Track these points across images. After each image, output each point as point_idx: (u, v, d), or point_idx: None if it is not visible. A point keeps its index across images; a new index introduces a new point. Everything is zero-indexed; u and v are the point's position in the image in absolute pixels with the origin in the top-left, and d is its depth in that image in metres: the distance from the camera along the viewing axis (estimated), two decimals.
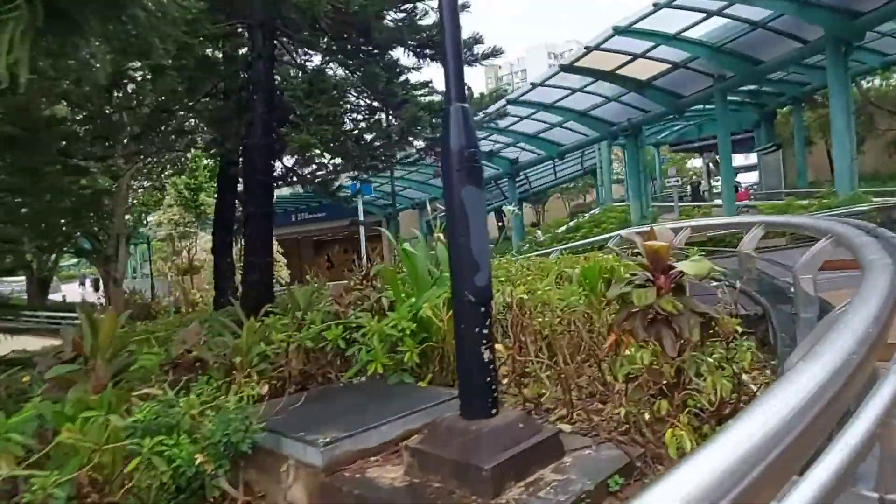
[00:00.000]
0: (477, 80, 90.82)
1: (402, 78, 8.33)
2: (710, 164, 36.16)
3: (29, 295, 26.25)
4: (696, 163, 38.36)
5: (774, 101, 22.46)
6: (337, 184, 13.01)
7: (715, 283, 4.39)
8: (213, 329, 5.05)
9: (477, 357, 2.65)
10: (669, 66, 16.68)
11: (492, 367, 2.71)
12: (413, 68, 8.50)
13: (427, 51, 7.95)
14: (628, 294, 3.28)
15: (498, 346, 4.18)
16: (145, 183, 23.42)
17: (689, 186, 30.79)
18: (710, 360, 3.08)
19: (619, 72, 16.95)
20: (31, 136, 8.50)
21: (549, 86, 17.97)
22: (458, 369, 2.97)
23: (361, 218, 19.37)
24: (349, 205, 16.44)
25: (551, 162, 25.61)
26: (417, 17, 8.10)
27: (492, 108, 20.83)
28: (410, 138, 7.78)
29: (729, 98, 21.41)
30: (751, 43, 14.98)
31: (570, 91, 18.39)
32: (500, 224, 30.99)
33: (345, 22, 7.49)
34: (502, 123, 20.93)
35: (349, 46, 7.83)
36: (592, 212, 25.01)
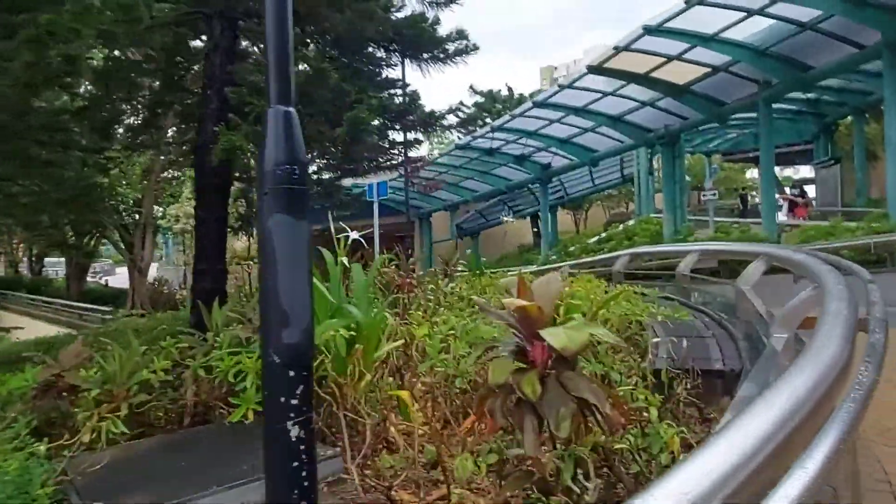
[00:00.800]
0: (532, 79, 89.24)
1: (380, 76, 7.64)
2: None
3: (68, 279, 27.08)
4: (755, 173, 36.24)
5: (835, 112, 20.57)
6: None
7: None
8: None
9: (282, 435, 2.06)
10: (709, 69, 15.32)
11: (303, 448, 2.11)
12: (384, 64, 7.79)
13: (395, 46, 7.22)
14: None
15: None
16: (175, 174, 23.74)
17: (738, 199, 28.90)
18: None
19: (652, 75, 15.71)
20: (21, 123, 8.27)
21: (578, 88, 16.88)
22: (264, 447, 2.33)
23: (376, 221, 18.70)
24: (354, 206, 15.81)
25: (587, 168, 24.38)
26: (392, 9, 7.38)
27: (517, 111, 19.90)
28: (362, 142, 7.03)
29: (783, 107, 19.77)
30: (798, 46, 13.51)
31: (600, 94, 17.24)
32: (535, 230, 29.88)
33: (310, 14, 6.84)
34: (531, 126, 19.99)
35: (309, 39, 7.18)
36: (628, 223, 23.67)
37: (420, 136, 8.77)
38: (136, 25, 6.33)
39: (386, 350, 4.10)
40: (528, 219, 29.99)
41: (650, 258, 11.81)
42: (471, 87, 32.44)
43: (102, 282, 37.57)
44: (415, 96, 7.93)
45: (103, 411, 3.59)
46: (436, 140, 39.36)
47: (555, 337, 2.40)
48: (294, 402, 2.10)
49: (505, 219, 13.09)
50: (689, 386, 3.94)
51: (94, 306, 20.67)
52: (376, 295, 6.40)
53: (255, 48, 8.00)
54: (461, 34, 7.45)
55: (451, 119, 8.77)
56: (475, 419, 2.93)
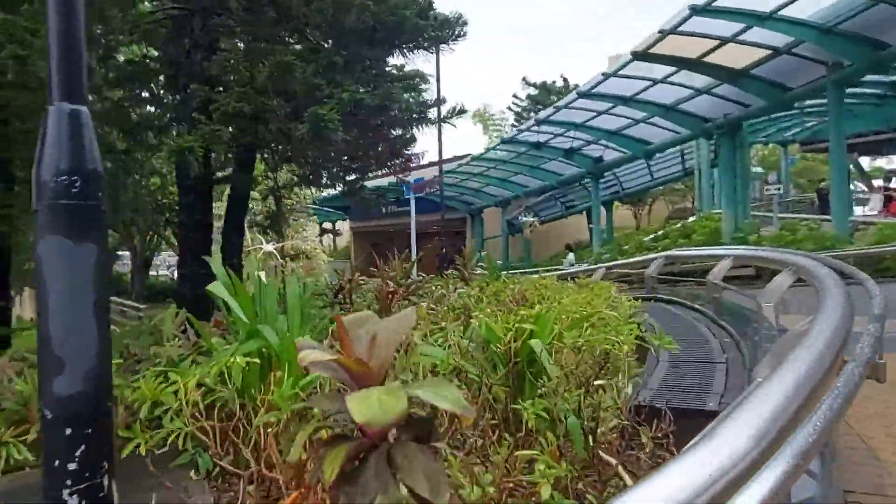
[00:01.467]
0: (600, 68, 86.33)
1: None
2: (852, 167, 31.12)
3: (131, 273, 28.32)
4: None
5: None
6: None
7: None
8: None
9: None
10: (769, 52, 13.88)
11: None
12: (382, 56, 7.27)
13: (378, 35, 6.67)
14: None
15: None
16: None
17: (816, 194, 26.62)
18: None
19: (706, 59, 14.42)
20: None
21: (625, 76, 15.76)
22: None
23: (413, 219, 18.32)
24: (379, 204, 15.47)
25: (645, 161, 23.01)
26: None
27: (562, 102, 18.91)
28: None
29: (864, 91, 17.83)
30: (872, 22, 11.94)
31: (650, 82, 16.05)
32: (591, 226, 28.63)
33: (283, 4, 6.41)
34: (579, 118, 18.99)
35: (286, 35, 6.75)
36: (690, 219, 22.18)
37: (424, 130, 8.22)
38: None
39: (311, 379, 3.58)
40: (585, 214, 28.77)
41: (691, 261, 10.76)
42: (524, 79, 31.45)
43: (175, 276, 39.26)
44: (412, 89, 7.39)
45: (7, 435, 3.30)
46: (495, 133, 38.59)
47: (359, 405, 1.79)
48: (72, 466, 1.76)
49: (524, 219, 12.37)
50: (662, 431, 3.23)
51: (132, 303, 21.31)
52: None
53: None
54: (458, 20, 6.82)
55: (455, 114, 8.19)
56: (297, 497, 2.34)
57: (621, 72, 15.53)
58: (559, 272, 14.62)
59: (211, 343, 3.73)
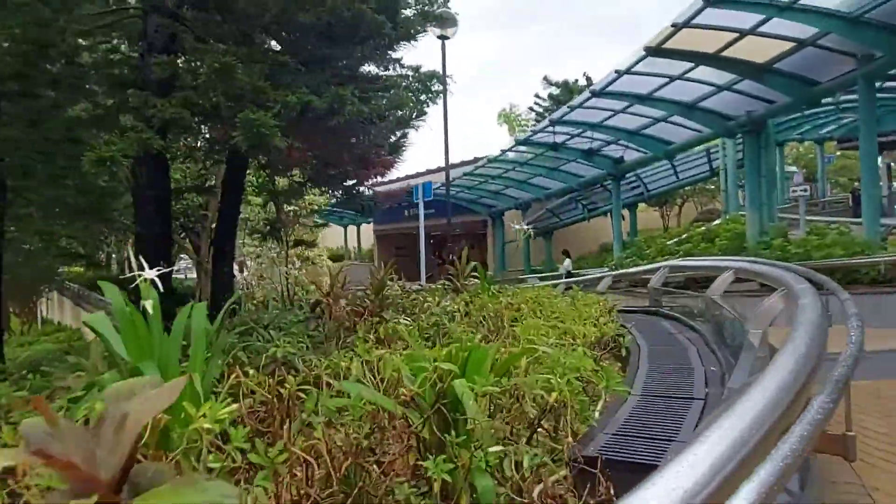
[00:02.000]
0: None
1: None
2: (893, 164, 29.46)
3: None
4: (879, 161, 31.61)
5: None
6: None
7: None
8: None
9: None
10: (794, 44, 13.01)
11: None
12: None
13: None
14: None
15: None
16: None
17: (850, 195, 25.28)
18: None
19: (724, 54, 13.61)
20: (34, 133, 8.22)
21: (639, 73, 15.02)
22: None
23: (422, 223, 17.89)
24: (375, 208, 15.12)
25: (669, 161, 22.12)
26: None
27: (576, 101, 18.24)
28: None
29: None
30: None
31: (666, 79, 15.27)
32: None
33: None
34: (595, 118, 18.30)
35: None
36: (715, 222, 21.21)
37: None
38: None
39: (203, 424, 3.17)
40: (609, 217, 27.90)
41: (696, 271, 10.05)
42: (545, 78, 30.67)
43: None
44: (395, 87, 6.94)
45: None
46: (522, 134, 37.90)
47: None
48: None
49: (515, 227, 11.76)
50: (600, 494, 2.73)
51: None
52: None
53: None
54: (426, 14, 6.37)
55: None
56: None
57: (635, 69, 14.80)
58: (560, 281, 13.98)
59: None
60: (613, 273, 12.07)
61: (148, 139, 5.19)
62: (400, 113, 24.79)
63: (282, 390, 3.22)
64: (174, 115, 5.34)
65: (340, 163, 8.14)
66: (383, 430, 3.00)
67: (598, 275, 12.74)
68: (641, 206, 27.39)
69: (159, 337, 3.70)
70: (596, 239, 28.75)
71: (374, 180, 13.01)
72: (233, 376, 3.55)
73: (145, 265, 3.80)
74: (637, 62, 14.53)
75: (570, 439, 3.31)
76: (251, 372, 3.41)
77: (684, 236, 20.28)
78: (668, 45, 13.37)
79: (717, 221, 20.94)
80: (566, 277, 22.13)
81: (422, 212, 18.51)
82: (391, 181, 40.29)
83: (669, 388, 4.65)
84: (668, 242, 20.32)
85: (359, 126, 6.31)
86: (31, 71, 6.58)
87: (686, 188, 28.35)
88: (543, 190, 25.49)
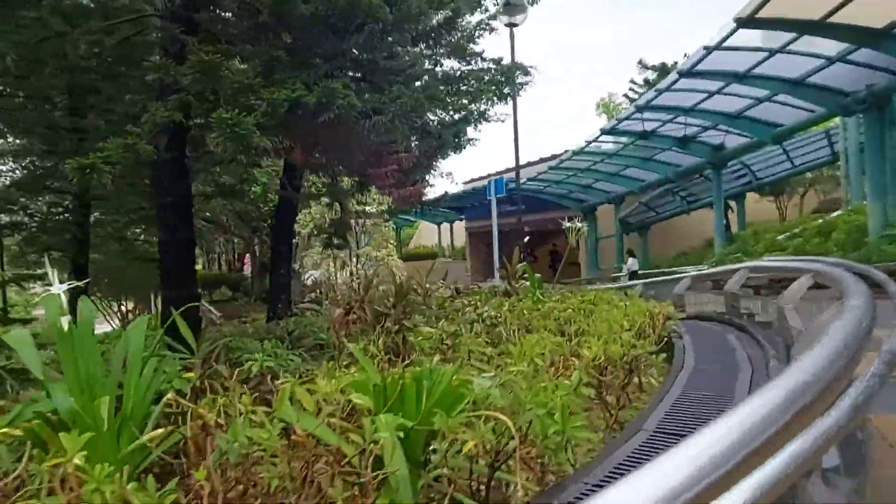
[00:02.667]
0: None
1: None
2: None
3: (252, 276, 30.02)
4: None
5: None
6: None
7: None
8: None
9: None
10: None
11: None
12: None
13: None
14: None
15: None
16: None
17: None
18: None
19: (832, 20, 11.76)
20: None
21: (732, 48, 13.41)
22: None
23: (494, 220, 17.22)
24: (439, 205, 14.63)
25: (781, 146, 19.83)
26: None
27: (662, 84, 16.69)
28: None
29: None
30: None
31: (766, 53, 13.53)
32: (725, 221, 25.51)
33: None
34: (687, 102, 16.73)
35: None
36: (835, 213, 18.72)
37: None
38: None
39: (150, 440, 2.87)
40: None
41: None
42: (640, 61, 28.62)
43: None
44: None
45: None
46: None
47: None
48: None
49: (567, 224, 10.67)
50: None
51: (208, 307, 22.38)
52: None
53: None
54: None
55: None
56: None
57: (727, 43, 13.21)
58: (632, 283, 12.78)
59: None
60: (693, 274, 10.77)
61: (135, 145, 5.02)
62: (479, 107, 24.07)
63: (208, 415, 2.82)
64: (164, 119, 5.14)
65: (349, 162, 7.72)
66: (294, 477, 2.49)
67: (681, 275, 11.46)
68: (752, 196, 24.87)
69: (89, 356, 3.41)
70: (700, 233, 26.49)
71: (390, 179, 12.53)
72: (163, 400, 3.20)
73: (55, 279, 3.52)
74: (728, 36, 12.95)
75: None
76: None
77: (797, 230, 18.10)
78: (762, 13, 11.74)
79: (837, 213, 18.45)
80: (630, 279, 20.67)
81: (494, 209, 17.83)
82: (477, 179, 39.83)
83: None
84: (779, 237, 18.23)
85: (361, 121, 5.84)
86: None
87: (805, 175, 25.39)
88: (637, 182, 23.81)
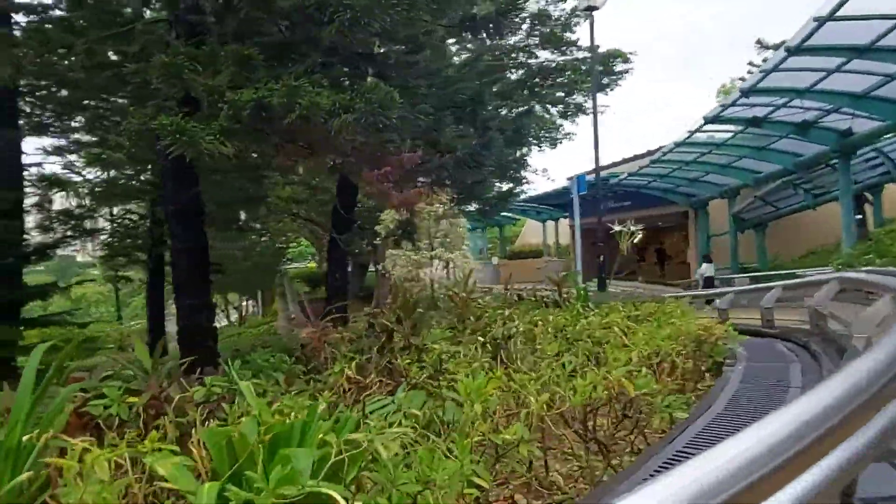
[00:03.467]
0: None
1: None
2: None
3: (351, 274, 30.88)
4: None
5: None
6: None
7: None
8: None
9: None
10: None
11: None
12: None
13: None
14: None
15: None
16: None
17: None
18: None
19: None
20: None
21: (849, 18, 11.51)
22: None
23: (577, 216, 16.24)
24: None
25: None
26: None
27: (769, 64, 14.76)
28: None
29: None
30: None
31: (893, 22, 11.48)
32: (858, 216, 22.44)
33: None
34: (802, 82, 14.77)
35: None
36: None
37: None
38: None
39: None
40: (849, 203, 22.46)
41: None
42: (758, 41, 25.75)
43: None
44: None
45: None
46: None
47: None
48: None
49: (616, 228, 9.31)
50: None
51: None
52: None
53: None
54: None
55: None
56: None
57: (841, 12, 11.35)
58: (716, 291, 11.26)
59: None
60: (783, 283, 9.29)
61: (101, 153, 4.96)
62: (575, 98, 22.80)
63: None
64: (140, 127, 5.07)
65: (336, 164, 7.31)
66: None
67: (770, 283, 9.98)
68: (894, 187, 21.59)
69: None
70: (834, 230, 23.44)
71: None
72: (43, 438, 3.03)
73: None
74: (842, 3, 11.11)
75: None
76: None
77: None
78: None
79: None
80: (704, 286, 18.54)
81: (576, 206, 16.78)
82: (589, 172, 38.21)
83: None
84: None
85: (330, 120, 5.39)
86: None
87: None
88: (752, 174, 21.46)
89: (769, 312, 8.74)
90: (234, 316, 33.11)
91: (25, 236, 8.87)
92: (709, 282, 18.84)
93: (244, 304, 27.31)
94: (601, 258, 14.13)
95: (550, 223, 41.37)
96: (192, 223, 6.49)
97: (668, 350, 5.08)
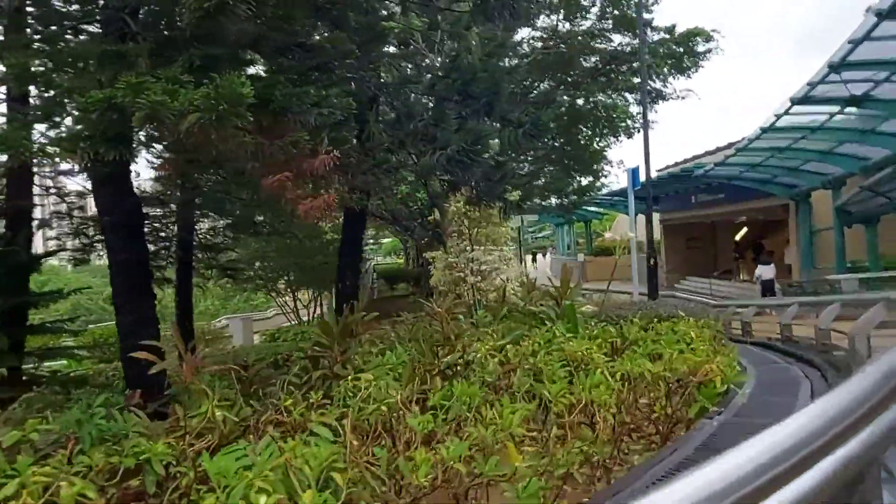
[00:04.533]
0: None
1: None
2: None
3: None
4: None
5: None
6: None
7: None
8: None
9: None
10: None
11: None
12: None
13: None
14: None
15: None
16: None
17: None
18: None
19: None
20: None
21: None
22: None
23: (632, 209, 14.78)
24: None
25: None
26: None
27: (858, 32, 12.45)
28: None
29: None
30: None
31: None
32: None
33: None
34: None
35: None
36: None
37: None
38: None
39: None
40: None
41: None
42: (869, 9, 22.08)
43: None
44: None
45: None
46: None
47: None
48: None
49: (628, 234, 7.47)
50: None
51: None
52: None
53: None
54: None
55: None
56: None
57: None
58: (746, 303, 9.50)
59: None
60: (845, 298, 7.62)
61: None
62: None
63: None
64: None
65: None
66: None
67: (843, 297, 8.31)
68: None
69: None
70: None
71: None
72: None
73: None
74: None
75: None
76: None
77: None
78: None
79: None
80: (764, 292, 16.06)
81: (631, 200, 15.25)
82: (672, 165, 35.47)
83: None
84: None
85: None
86: None
87: None
88: (858, 161, 18.63)
89: (788, 329, 7.24)
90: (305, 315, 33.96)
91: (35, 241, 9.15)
92: (768, 286, 16.51)
93: (313, 301, 27.67)
94: (652, 261, 12.61)
95: (641, 217, 38.99)
96: (130, 235, 6.20)
97: (607, 400, 4.09)
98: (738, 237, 34.27)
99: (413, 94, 11.06)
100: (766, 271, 17.72)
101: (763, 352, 8.50)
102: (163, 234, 12.39)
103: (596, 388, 4.16)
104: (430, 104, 9.84)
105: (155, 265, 13.03)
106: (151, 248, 12.34)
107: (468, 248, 14.32)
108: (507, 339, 6.63)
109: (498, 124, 10.62)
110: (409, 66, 10.07)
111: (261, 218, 13.05)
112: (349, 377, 5.19)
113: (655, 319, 7.61)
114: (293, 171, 4.85)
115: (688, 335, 6.76)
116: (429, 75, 9.87)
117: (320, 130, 5.08)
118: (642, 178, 16.61)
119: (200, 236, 11.95)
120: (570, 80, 24.74)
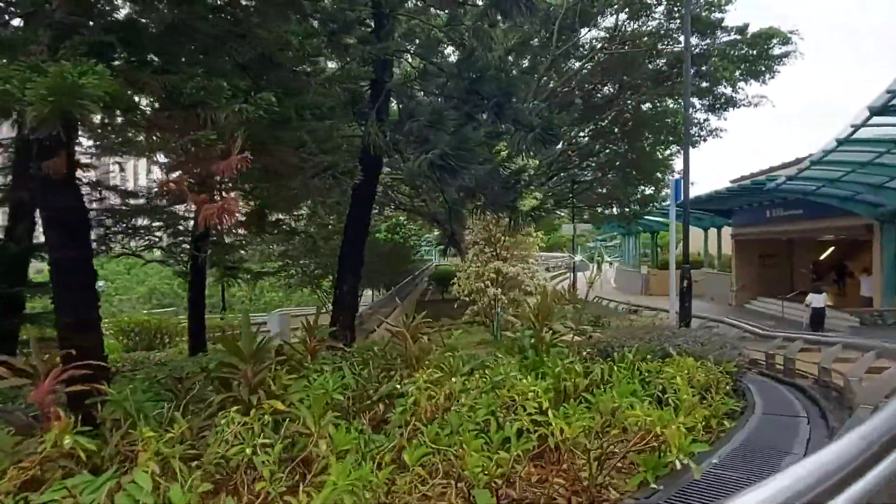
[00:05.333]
0: None
1: None
2: None
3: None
4: None
5: None
6: None
7: None
8: None
9: None
10: None
11: None
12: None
13: None
14: None
15: None
16: None
17: None
18: None
19: None
20: None
21: None
22: None
23: (673, 223, 13.56)
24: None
25: None
26: None
27: None
28: None
29: None
30: None
31: None
32: None
33: None
34: None
35: None
36: None
37: None
38: None
39: None
40: None
41: None
42: None
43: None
44: None
45: None
46: None
47: None
48: None
49: (575, 259, 6.29)
50: None
51: None
52: None
53: None
54: None
55: None
56: None
57: None
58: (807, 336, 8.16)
59: None
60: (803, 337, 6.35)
61: None
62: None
63: None
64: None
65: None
66: None
67: None
68: None
69: None
70: None
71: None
72: None
73: None
74: None
75: None
76: None
77: None
78: None
79: None
80: (812, 323, 14.30)
81: (672, 213, 13.96)
82: (748, 176, 33.04)
83: None
84: None
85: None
86: None
87: None
88: None
89: (827, 373, 6.10)
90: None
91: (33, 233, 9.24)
92: (818, 316, 14.96)
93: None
94: (685, 283, 11.40)
95: (713, 231, 36.62)
96: (71, 231, 5.94)
97: (486, 465, 3.39)
98: (822, 257, 31.49)
99: (422, 93, 10.49)
100: (816, 300, 16.03)
101: (794, 397, 7.32)
102: (180, 228, 12.43)
103: (483, 449, 3.45)
104: (432, 105, 9.25)
105: (174, 259, 13.17)
106: (167, 241, 12.48)
107: (493, 257, 13.62)
108: (465, 369, 5.95)
109: (506, 126, 9.90)
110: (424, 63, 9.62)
111: (279, 217, 12.85)
112: (255, 403, 4.71)
113: (649, 356, 6.67)
114: (198, 172, 4.40)
115: (674, 380, 5.82)
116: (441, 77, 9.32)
117: (236, 128, 4.59)
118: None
119: (214, 235, 11.88)
120: (633, 83, 23.45)
